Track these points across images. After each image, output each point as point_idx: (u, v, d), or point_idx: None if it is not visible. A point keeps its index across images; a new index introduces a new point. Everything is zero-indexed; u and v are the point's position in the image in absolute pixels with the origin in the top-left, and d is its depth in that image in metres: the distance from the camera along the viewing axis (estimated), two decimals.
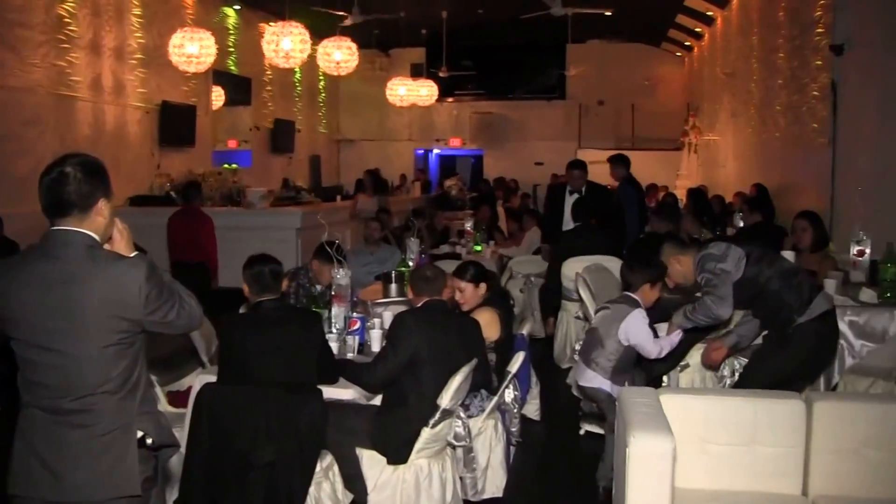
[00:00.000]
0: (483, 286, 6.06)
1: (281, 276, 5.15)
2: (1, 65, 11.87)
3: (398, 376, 4.92)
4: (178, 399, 5.84)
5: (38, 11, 12.62)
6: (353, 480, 4.85)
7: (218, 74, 18.35)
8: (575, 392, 7.60)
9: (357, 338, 5.69)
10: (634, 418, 4.26)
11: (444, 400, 4.79)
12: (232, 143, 20.32)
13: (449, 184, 22.16)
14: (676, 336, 5.63)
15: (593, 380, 5.69)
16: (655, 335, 5.71)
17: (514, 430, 6.03)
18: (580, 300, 7.56)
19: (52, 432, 3.13)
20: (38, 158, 12.08)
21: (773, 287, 5.35)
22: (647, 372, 6.08)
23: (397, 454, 4.83)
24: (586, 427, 6.90)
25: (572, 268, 8.33)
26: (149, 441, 3.25)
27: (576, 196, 9.88)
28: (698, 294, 5.68)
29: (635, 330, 5.54)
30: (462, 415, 5.22)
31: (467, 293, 6.01)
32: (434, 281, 5.32)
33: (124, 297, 3.10)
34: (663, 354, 5.60)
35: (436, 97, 21.78)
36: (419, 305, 5.25)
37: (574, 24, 19.52)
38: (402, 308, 6.00)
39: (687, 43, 23.81)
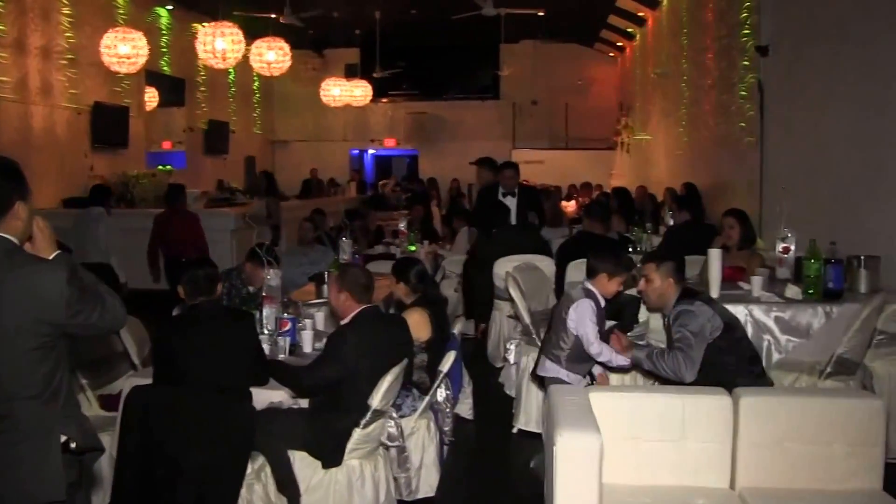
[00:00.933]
0: (401, 285, 6.27)
1: (216, 279, 5.15)
2: None
3: (333, 384, 4.92)
4: (110, 402, 5.78)
5: None
6: (286, 484, 4.83)
7: (151, 75, 18.20)
8: (507, 391, 7.69)
9: (288, 339, 5.67)
10: (562, 416, 4.30)
11: (375, 400, 4.79)
12: (166, 145, 20.17)
13: (384, 182, 22.16)
14: (622, 360, 5.45)
15: (550, 370, 5.67)
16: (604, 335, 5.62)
17: (446, 429, 6.03)
18: (511, 299, 7.60)
19: None
20: None
21: (729, 367, 5.28)
22: None
23: (331, 457, 4.82)
24: (519, 425, 6.95)
25: (503, 267, 8.37)
26: (72, 445, 3.19)
27: (510, 198, 9.91)
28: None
29: (578, 319, 5.49)
30: (394, 415, 5.24)
31: (399, 288, 6.30)
32: (371, 288, 5.32)
33: (45, 302, 3.05)
34: (600, 359, 5.51)
35: (370, 97, 21.79)
36: (356, 315, 5.16)
37: (507, 24, 19.61)
38: None
39: (619, 43, 24.02)
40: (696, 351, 5.05)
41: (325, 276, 7.49)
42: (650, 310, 5.70)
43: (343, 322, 5.20)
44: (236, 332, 4.90)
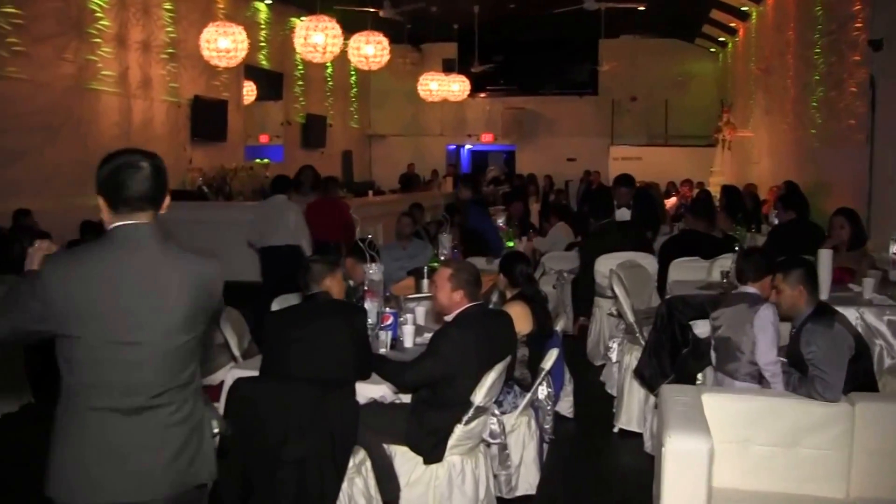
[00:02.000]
0: (501, 276, 6.27)
1: (325, 272, 5.16)
2: (31, 58, 11.96)
3: (435, 381, 4.87)
4: (210, 393, 5.82)
5: (71, 5, 12.71)
6: (386, 479, 4.81)
7: (249, 69, 18.42)
8: (608, 389, 7.59)
9: (390, 333, 5.64)
10: (672, 417, 4.20)
11: (478, 397, 4.74)
12: (263, 138, 20.40)
13: (491, 168, 22.17)
14: (780, 385, 4.95)
15: (745, 390, 5.11)
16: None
17: (547, 427, 5.96)
18: (614, 297, 7.49)
19: (130, 430, 3.02)
20: (66, 152, 12.25)
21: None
22: (680, 370, 6.00)
23: (432, 452, 4.79)
24: (620, 425, 6.85)
25: (606, 265, 8.26)
26: (216, 430, 3.31)
27: (624, 209, 9.77)
28: None
29: (762, 327, 5.07)
30: (496, 411, 5.18)
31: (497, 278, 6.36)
32: (479, 284, 5.27)
33: (210, 291, 3.12)
34: (768, 373, 5.02)
35: (468, 92, 21.76)
36: (461, 312, 5.06)
37: (607, 18, 19.43)
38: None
39: (721, 38, 23.63)
40: (833, 374, 4.62)
41: (424, 270, 7.48)
42: (781, 319, 5.42)
43: (448, 319, 5.14)
44: (347, 325, 4.88)
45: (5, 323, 2.91)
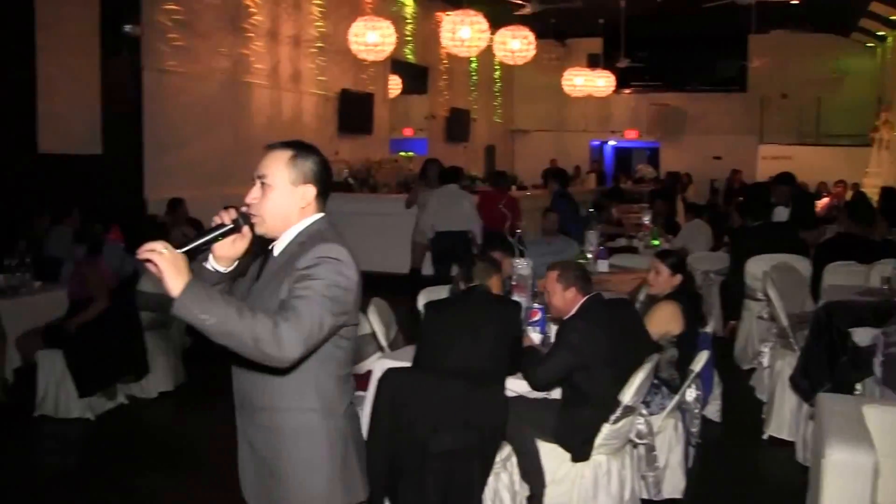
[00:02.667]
0: (678, 277, 5.97)
1: (491, 270, 5.18)
2: (189, 52, 12.33)
3: (570, 376, 4.80)
4: (358, 383, 5.85)
5: (227, 2, 13.10)
6: (531, 473, 4.78)
7: (395, 63, 18.59)
8: (758, 395, 7.37)
9: (538, 328, 5.58)
10: (832, 428, 4.03)
11: (626, 396, 4.67)
12: (408, 132, 20.56)
13: (640, 167, 21.97)
14: None
15: None
16: None
17: (694, 430, 5.83)
18: (766, 300, 7.27)
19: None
20: (218, 143, 12.59)
21: None
22: (838, 379, 5.78)
23: (580, 450, 4.74)
24: (770, 432, 6.64)
25: (758, 266, 8.03)
26: None
27: (781, 208, 9.52)
28: None
29: None
30: (644, 411, 5.09)
31: (662, 277, 5.96)
32: (589, 278, 5.22)
33: None
34: None
35: (613, 88, 21.50)
36: (582, 304, 5.03)
37: (758, 13, 18.92)
38: None
39: (880, 32, 22.70)
40: None
41: None
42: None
43: (569, 315, 5.06)
44: (502, 319, 4.90)
45: (326, 322, 2.71)
